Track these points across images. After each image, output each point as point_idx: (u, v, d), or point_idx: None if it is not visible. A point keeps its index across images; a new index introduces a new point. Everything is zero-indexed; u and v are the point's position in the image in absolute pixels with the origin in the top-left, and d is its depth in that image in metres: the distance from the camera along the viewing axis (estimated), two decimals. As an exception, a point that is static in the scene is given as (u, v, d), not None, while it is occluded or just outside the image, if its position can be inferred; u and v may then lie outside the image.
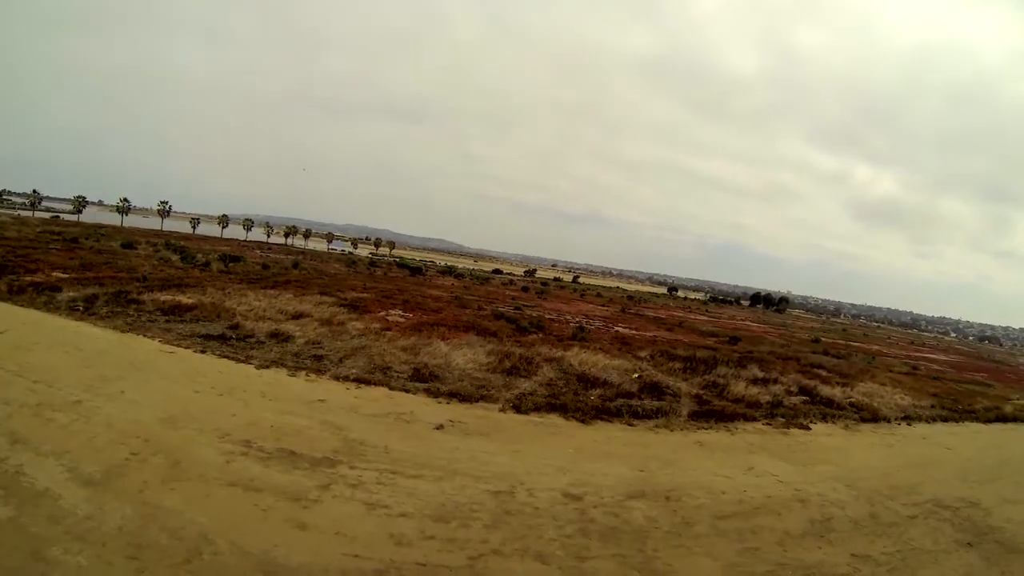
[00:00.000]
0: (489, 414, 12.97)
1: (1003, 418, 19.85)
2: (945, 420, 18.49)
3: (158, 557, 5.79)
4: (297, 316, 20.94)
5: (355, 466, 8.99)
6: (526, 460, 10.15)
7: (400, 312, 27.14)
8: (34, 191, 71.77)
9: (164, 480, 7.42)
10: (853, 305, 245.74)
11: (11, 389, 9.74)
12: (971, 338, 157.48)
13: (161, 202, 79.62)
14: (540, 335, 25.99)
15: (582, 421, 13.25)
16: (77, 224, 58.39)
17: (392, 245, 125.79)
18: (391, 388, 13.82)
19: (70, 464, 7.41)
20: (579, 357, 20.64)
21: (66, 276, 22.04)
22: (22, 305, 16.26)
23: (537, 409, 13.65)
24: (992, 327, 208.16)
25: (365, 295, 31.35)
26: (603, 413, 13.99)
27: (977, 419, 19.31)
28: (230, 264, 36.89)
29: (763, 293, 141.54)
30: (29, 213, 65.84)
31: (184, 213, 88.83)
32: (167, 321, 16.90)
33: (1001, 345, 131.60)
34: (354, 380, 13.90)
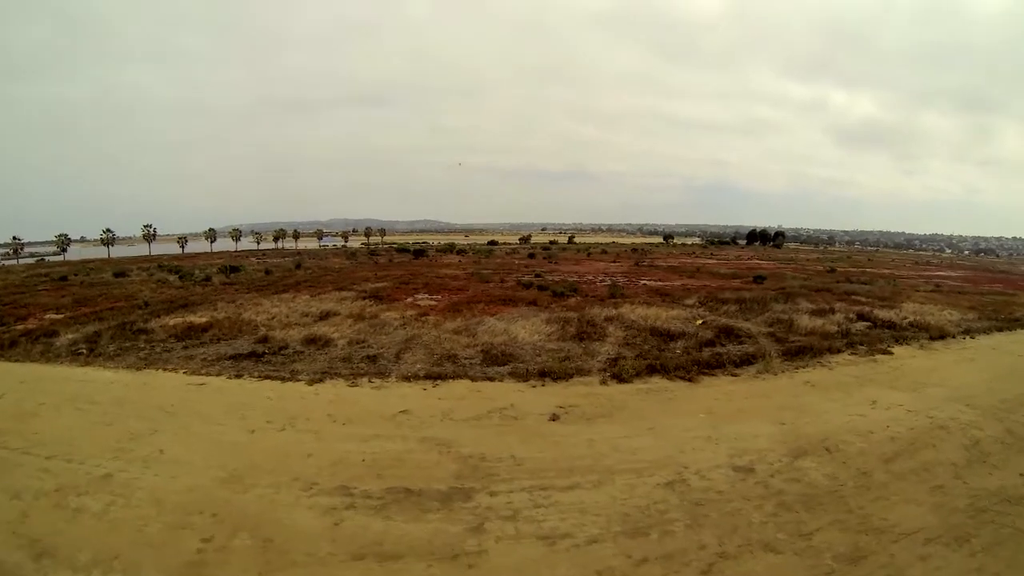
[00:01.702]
0: (593, 390, 11.33)
1: (1047, 325, 19.57)
2: (1000, 330, 18.51)
3: None
4: (324, 316, 18.62)
5: (494, 491, 6.90)
6: (668, 437, 8.83)
7: (427, 296, 24.93)
8: (14, 238, 68.28)
9: (263, 574, 5.18)
10: (845, 232, 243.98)
11: (20, 474, 7.43)
12: (966, 252, 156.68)
13: (145, 226, 76.24)
14: (578, 298, 24.49)
15: (688, 379, 12.04)
16: (64, 263, 55.18)
17: (383, 232, 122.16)
18: (472, 379, 11.73)
19: (124, 578, 5.16)
20: (636, 312, 19.33)
21: (61, 316, 19.54)
22: (16, 360, 13.83)
23: (637, 374, 12.14)
24: (985, 239, 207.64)
25: (382, 284, 28.97)
26: (703, 367, 12.73)
27: (1024, 327, 19.22)
28: (231, 274, 34.31)
29: (758, 230, 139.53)
30: (13, 262, 62.60)
31: (169, 235, 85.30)
32: (184, 347, 14.52)
33: (998, 256, 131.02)
34: (425, 377, 11.74)
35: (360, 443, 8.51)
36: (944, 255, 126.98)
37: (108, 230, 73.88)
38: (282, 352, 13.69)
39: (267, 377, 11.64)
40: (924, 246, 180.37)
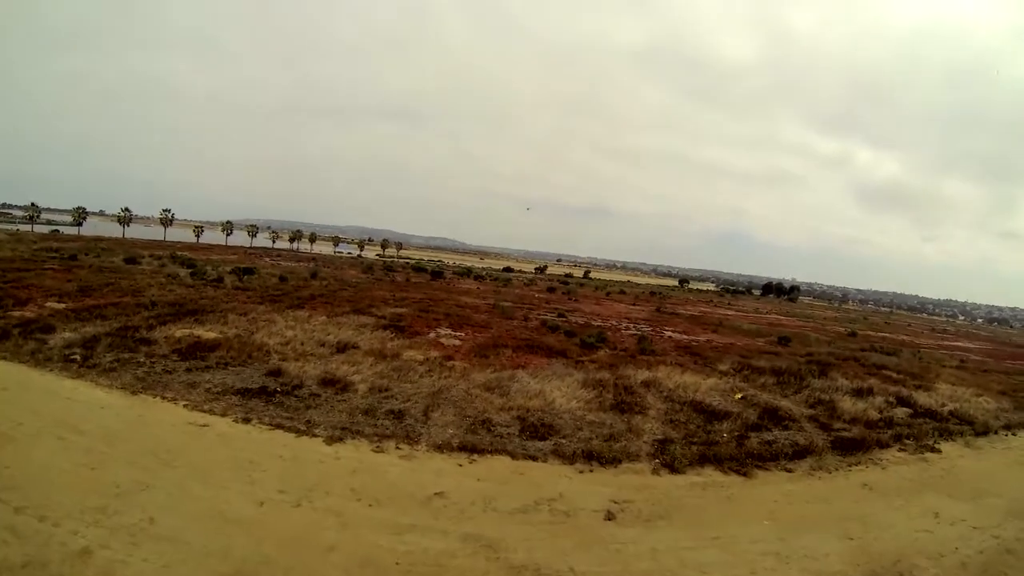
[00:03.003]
0: (646, 480, 10.15)
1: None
2: (1037, 424, 17.95)
3: None
4: (342, 348, 17.22)
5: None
6: (736, 551, 7.77)
7: (450, 331, 23.57)
8: (32, 204, 67.85)
9: None
10: (859, 290, 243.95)
11: (-24, 534, 6.03)
12: (980, 320, 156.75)
13: (163, 210, 75.58)
14: (607, 350, 23.50)
15: (742, 473, 10.91)
16: (77, 238, 54.47)
17: (399, 246, 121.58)
18: (512, 456, 10.37)
19: None
20: (672, 379, 17.99)
21: (62, 306, 18.30)
22: (3, 357, 12.53)
23: (690, 464, 11.03)
24: (999, 308, 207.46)
25: (402, 310, 27.61)
26: (756, 458, 11.68)
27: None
28: (245, 277, 33.08)
29: (774, 282, 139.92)
30: (28, 227, 62.22)
31: (187, 221, 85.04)
32: (188, 370, 13.13)
33: (1011, 327, 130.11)
34: (460, 448, 10.31)
35: (392, 536, 7.08)
36: (958, 321, 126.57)
37: (126, 209, 73.42)
38: (296, 392, 12.27)
39: (279, 426, 10.20)
40: (937, 311, 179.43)
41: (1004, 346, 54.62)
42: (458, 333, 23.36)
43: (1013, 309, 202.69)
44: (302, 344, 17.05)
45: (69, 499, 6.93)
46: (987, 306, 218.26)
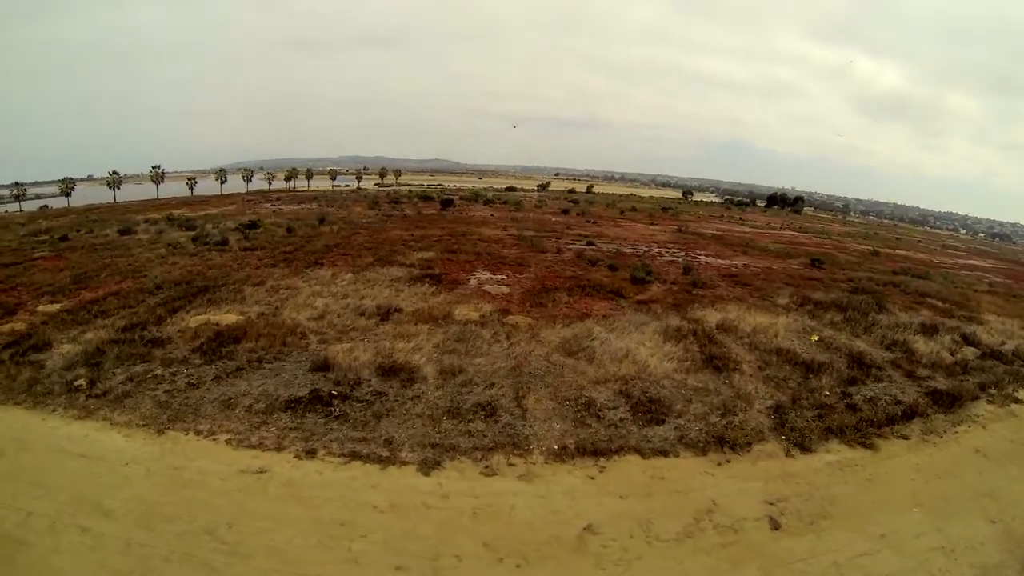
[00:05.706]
0: (784, 467, 9.02)
1: None
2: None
3: None
4: (385, 315, 15.02)
5: None
6: (907, 551, 7.19)
7: (488, 275, 21.42)
8: (16, 183, 64.35)
9: None
10: (859, 201, 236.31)
11: None
12: (981, 235, 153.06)
13: (153, 167, 71.67)
14: (658, 284, 21.86)
15: (865, 445, 10.14)
16: (67, 211, 50.97)
17: (398, 173, 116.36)
18: (641, 454, 8.55)
19: None
20: (745, 321, 16.85)
21: (56, 307, 15.94)
22: (-4, 396, 10.33)
23: (816, 438, 10.05)
24: (1000, 223, 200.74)
25: (428, 254, 25.07)
26: (872, 426, 10.84)
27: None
28: (249, 234, 30.43)
29: (778, 194, 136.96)
30: (16, 207, 59.27)
31: (178, 173, 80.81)
32: (216, 378, 10.88)
33: (1014, 243, 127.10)
34: (577, 450, 8.33)
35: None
36: (961, 236, 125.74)
37: (114, 172, 69.31)
38: (355, 394, 10.07)
39: (355, 455, 8.08)
40: (939, 224, 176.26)
41: (1017, 265, 52.70)
42: (498, 276, 21.10)
43: (1014, 224, 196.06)
44: (338, 316, 14.83)
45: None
46: (987, 220, 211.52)
